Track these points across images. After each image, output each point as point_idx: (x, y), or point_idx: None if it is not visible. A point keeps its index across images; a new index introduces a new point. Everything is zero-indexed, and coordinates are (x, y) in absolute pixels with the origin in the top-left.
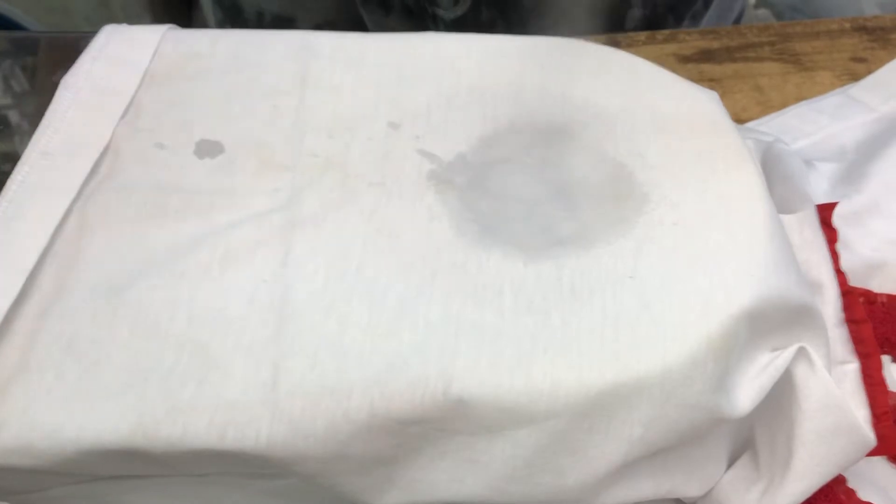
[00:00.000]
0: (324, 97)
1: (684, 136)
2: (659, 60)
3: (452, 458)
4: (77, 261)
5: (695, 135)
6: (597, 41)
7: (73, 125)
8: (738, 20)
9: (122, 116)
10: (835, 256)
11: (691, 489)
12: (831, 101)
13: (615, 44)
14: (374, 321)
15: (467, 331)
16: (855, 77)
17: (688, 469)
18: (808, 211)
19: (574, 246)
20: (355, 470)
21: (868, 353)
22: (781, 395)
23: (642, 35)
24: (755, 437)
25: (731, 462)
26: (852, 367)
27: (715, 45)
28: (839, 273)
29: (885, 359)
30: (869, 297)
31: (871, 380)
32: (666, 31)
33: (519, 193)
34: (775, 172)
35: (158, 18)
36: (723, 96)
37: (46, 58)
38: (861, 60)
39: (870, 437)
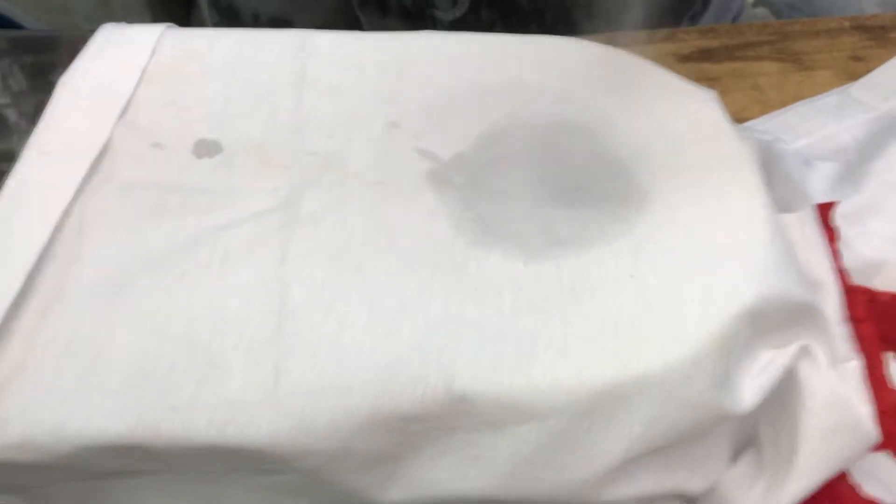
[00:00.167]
0: (322, 96)
1: (684, 135)
2: (658, 59)
3: (454, 455)
4: (76, 260)
5: (694, 134)
6: (596, 40)
7: (72, 124)
8: (735, 20)
9: (121, 116)
10: (836, 255)
11: (694, 486)
12: (831, 100)
13: (614, 43)
14: (373, 320)
15: (467, 330)
16: (854, 76)
17: (690, 466)
18: (808, 210)
19: (574, 245)
20: (356, 467)
21: (870, 351)
22: (785, 392)
23: (641, 34)
24: (758, 433)
25: (734, 459)
26: (854, 365)
27: (714, 44)
28: (840, 271)
29: (887, 356)
30: (870, 296)
31: (874, 377)
32: (665, 31)
33: (518, 193)
34: (775, 172)
35: (158, 18)
36: (722, 95)
37: (45, 57)
38: (860, 59)
39: (873, 433)
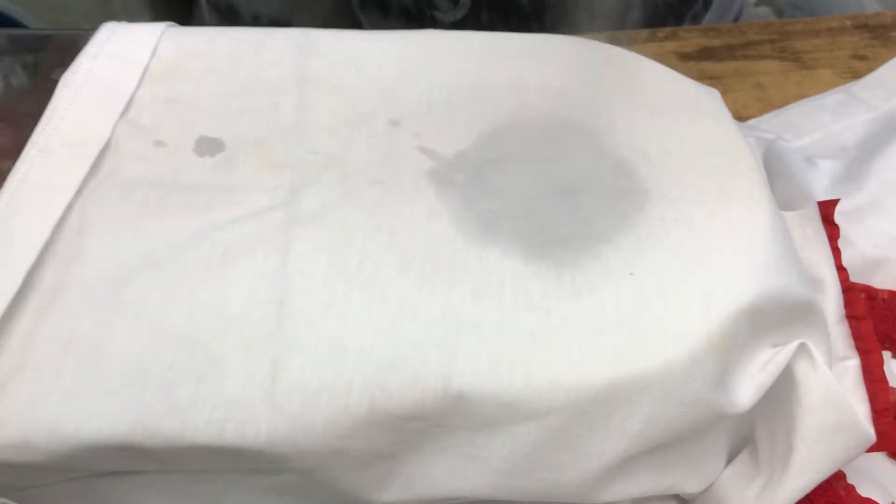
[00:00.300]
0: (324, 95)
1: (685, 133)
2: (660, 58)
3: (452, 453)
4: (76, 258)
5: (696, 133)
6: (597, 39)
7: (73, 123)
8: (736, 19)
9: (122, 114)
10: (836, 253)
11: (691, 485)
12: (832, 98)
13: (616, 41)
14: (373, 318)
15: (467, 328)
16: (856, 75)
17: (687, 465)
18: (810, 208)
19: (575, 243)
20: (355, 466)
21: (869, 349)
22: (782, 391)
23: (643, 33)
24: (755, 433)
25: (731, 458)
26: (853, 364)
27: (716, 42)
28: (840, 270)
29: (886, 355)
30: (870, 294)
31: (872, 376)
32: (667, 29)
33: (519, 191)
34: (776, 170)
35: (158, 17)
36: (723, 94)
37: (46, 55)
38: (862, 58)
39: (870, 433)
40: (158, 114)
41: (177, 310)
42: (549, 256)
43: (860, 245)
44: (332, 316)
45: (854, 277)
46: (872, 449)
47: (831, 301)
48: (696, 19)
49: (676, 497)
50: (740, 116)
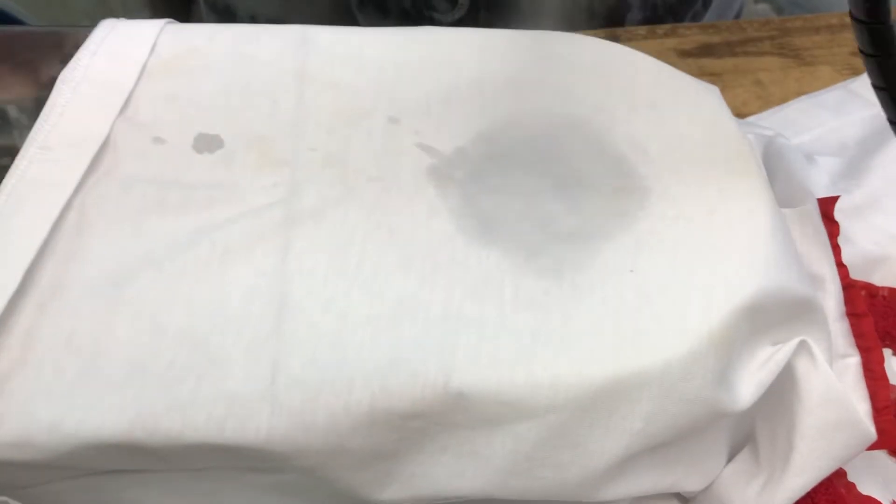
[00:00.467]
0: (323, 92)
1: (685, 130)
2: (659, 55)
3: (453, 452)
4: (76, 256)
5: (696, 129)
6: (597, 36)
7: (72, 120)
8: (737, 17)
9: (121, 111)
10: (836, 250)
11: (691, 483)
12: (832, 95)
13: (615, 38)
14: (373, 316)
15: (467, 326)
16: (856, 71)
17: (688, 463)
18: (810, 205)
19: (575, 240)
20: (355, 464)
21: (869, 346)
22: (782, 389)
23: (642, 29)
24: (756, 431)
25: (732, 456)
26: (853, 361)
27: (715, 39)
28: (840, 267)
29: (887, 352)
30: (870, 291)
31: (873, 374)
32: (666, 26)
33: (519, 188)
34: (776, 167)
35: (157, 14)
36: (723, 91)
37: (45, 52)
38: None
39: (870, 431)
40: (157, 111)
41: (177, 307)
42: (549, 254)
43: (860, 242)
44: (332, 314)
45: (854, 275)
46: (873, 447)
47: (832, 298)
48: (696, 19)
49: (677, 495)
50: (740, 113)
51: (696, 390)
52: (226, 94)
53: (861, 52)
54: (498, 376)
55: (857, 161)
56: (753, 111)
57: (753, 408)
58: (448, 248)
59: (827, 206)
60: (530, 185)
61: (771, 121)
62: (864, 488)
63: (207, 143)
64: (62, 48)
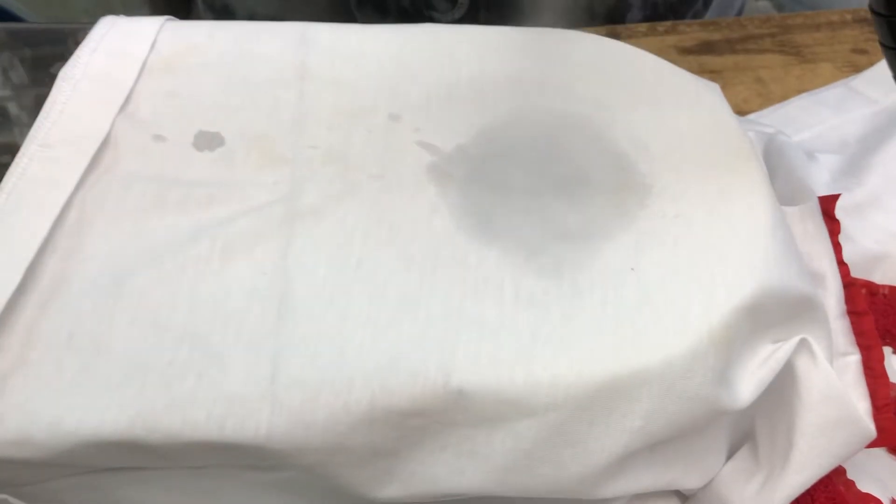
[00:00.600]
0: (323, 89)
1: (686, 128)
2: (660, 52)
3: (452, 450)
4: (77, 253)
5: (696, 127)
6: (597, 33)
7: (72, 117)
8: (738, 14)
9: (121, 108)
10: (837, 248)
11: (691, 481)
12: (833, 93)
13: (616, 35)
14: (374, 314)
15: (468, 324)
16: (856, 69)
17: (687, 461)
18: (811, 203)
19: (575, 239)
20: (355, 462)
21: (869, 344)
22: (782, 386)
23: (643, 27)
24: (755, 428)
25: (731, 454)
26: (854, 359)
27: (716, 36)
28: (841, 265)
29: (887, 350)
30: (871, 289)
31: (873, 371)
32: (667, 23)
33: (519, 186)
34: (777, 165)
35: (157, 12)
36: (724, 88)
37: (45, 49)
38: (862, 52)
39: (870, 428)
40: (158, 108)
41: (177, 305)
42: (549, 252)
43: (861, 240)
44: (332, 312)
45: (855, 273)
46: (873, 445)
47: (832, 296)
48: (697, 18)
49: (676, 493)
50: (741, 111)
51: (696, 388)
52: (226, 91)
53: (882, 44)
54: (498, 375)
55: (858, 159)
56: (754, 108)
57: (753, 406)
58: (448, 247)
59: (828, 204)
60: (531, 184)
61: (772, 118)
62: (864, 486)
63: (208, 141)
64: (62, 45)
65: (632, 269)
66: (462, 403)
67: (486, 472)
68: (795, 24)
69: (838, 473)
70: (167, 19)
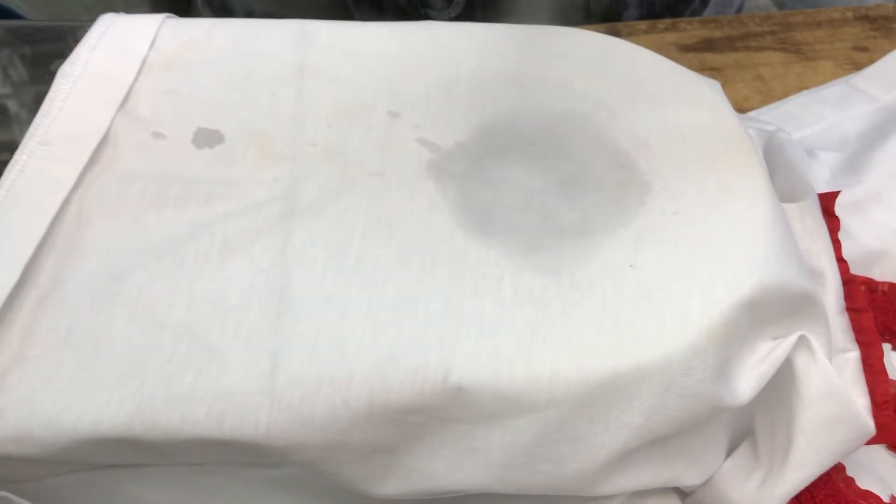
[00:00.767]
0: (323, 86)
1: (686, 125)
2: (660, 50)
3: (452, 446)
4: (76, 250)
5: (696, 124)
6: (598, 30)
7: (72, 114)
8: (738, 12)
9: (121, 105)
10: (836, 245)
11: (691, 477)
12: (833, 90)
13: (616, 33)
14: (373, 311)
15: (467, 321)
16: (857, 66)
17: (687, 457)
18: (810, 200)
19: (574, 236)
20: (354, 459)
21: (869, 341)
22: (782, 383)
23: (643, 24)
24: (755, 425)
25: (731, 450)
26: (853, 356)
27: (716, 34)
28: (840, 262)
29: (886, 347)
30: (870, 286)
31: (872, 368)
32: (667, 21)
33: (519, 183)
34: (777, 162)
35: (156, 9)
36: (724, 86)
37: (45, 47)
38: (863, 49)
39: (869, 425)
40: (157, 105)
41: (176, 302)
42: (548, 249)
43: (860, 237)
44: (331, 308)
45: (854, 269)
46: (872, 441)
47: (831, 293)
48: (694, 17)
49: (676, 490)
50: (741, 108)
51: (695, 385)
52: (225, 88)
53: None
54: (497, 371)
55: (858, 156)
56: (754, 106)
57: (753, 402)
58: (448, 244)
59: (827, 202)
60: (530, 181)
61: (772, 116)
62: (863, 483)
63: (207, 138)
64: (61, 42)
65: (631, 265)
66: (461, 400)
67: (485, 469)
68: (796, 21)
69: (838, 470)
70: (167, 16)
